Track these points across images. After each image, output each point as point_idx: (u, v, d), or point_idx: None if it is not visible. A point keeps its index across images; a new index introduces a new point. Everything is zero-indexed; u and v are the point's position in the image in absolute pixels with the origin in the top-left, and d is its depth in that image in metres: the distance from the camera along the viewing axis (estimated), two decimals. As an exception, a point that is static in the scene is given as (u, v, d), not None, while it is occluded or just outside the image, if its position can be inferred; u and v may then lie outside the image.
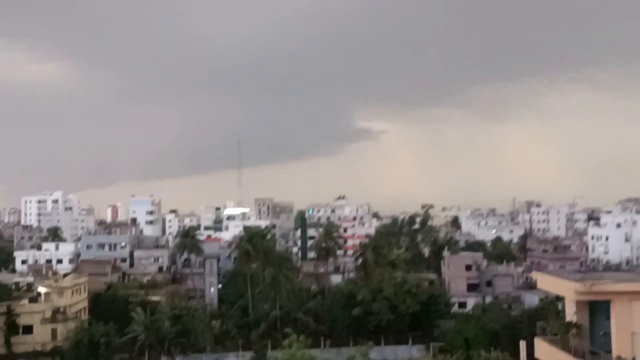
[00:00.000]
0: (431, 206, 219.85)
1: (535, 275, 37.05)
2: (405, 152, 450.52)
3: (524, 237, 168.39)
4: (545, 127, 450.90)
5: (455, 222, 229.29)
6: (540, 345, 32.08)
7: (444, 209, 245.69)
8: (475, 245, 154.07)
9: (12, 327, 79.18)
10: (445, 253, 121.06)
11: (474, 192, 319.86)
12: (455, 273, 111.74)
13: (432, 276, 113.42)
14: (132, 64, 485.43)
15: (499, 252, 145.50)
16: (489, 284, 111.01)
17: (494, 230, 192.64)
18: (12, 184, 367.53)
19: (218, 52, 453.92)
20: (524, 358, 34.60)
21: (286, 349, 45.07)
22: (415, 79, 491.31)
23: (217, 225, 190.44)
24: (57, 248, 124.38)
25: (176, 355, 76.86)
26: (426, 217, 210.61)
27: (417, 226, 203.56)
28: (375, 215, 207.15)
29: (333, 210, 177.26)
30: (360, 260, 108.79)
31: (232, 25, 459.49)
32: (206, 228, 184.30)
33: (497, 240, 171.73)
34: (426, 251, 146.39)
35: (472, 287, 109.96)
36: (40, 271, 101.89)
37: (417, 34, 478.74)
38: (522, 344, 36.27)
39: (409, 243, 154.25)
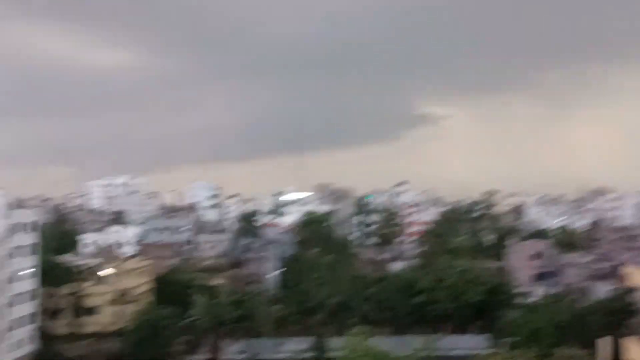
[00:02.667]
0: (494, 192, 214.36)
1: (629, 270, 34.21)
2: (468, 138, 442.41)
3: (592, 225, 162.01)
4: (614, 111, 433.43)
5: (519, 209, 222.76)
6: (632, 346, 29.20)
7: (507, 196, 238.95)
8: (540, 233, 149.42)
9: (79, 309, 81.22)
10: (510, 241, 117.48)
11: (539, 179, 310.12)
12: (520, 262, 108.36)
13: (496, 265, 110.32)
14: (196, 48, 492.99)
15: (566, 240, 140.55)
16: (556, 273, 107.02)
17: (560, 218, 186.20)
18: (81, 169, 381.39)
19: (280, 37, 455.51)
20: (607, 357, 32.15)
21: (349, 337, 43.87)
22: (478, 62, 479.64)
23: (277, 210, 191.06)
24: (121, 231, 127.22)
25: (237, 339, 77.16)
26: (489, 204, 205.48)
27: (479, 213, 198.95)
28: (437, 202, 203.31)
29: (393, 197, 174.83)
30: (421, 248, 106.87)
31: (296, 9, 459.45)
32: (266, 213, 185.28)
33: (564, 228, 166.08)
34: (489, 239, 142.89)
35: (537, 277, 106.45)
36: (106, 254, 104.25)
37: (480, 16, 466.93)
38: (602, 342, 33.82)
39: (471, 230, 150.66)
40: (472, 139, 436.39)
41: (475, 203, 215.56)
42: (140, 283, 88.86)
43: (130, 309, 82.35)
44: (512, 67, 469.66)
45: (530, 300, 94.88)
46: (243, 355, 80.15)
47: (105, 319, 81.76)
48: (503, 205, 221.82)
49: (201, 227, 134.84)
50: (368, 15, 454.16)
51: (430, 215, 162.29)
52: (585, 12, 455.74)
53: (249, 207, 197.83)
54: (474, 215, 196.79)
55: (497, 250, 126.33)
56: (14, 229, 74.08)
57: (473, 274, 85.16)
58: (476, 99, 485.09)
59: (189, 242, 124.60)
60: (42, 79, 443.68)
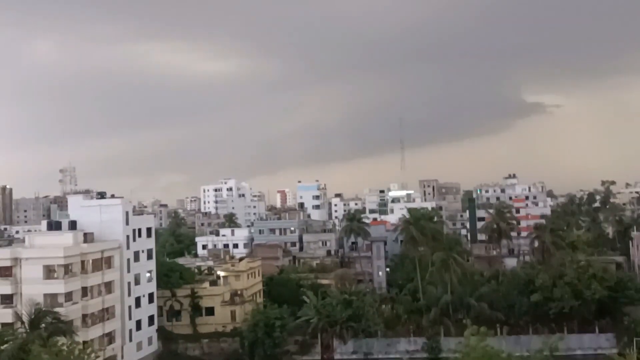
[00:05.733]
0: (613, 182, 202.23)
1: None
2: (581, 126, 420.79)
3: None
4: None
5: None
6: None
7: (627, 185, 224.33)
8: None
9: (196, 309, 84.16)
10: (634, 233, 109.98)
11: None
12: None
13: (619, 259, 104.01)
14: (295, 52, 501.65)
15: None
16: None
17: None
18: (193, 174, 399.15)
19: (381, 32, 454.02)
20: None
21: (465, 339, 42.31)
22: (588, 46, 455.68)
23: (382, 208, 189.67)
24: (232, 233, 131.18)
25: (348, 339, 77.10)
26: (607, 195, 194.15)
27: (597, 204, 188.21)
28: (550, 194, 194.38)
29: (503, 190, 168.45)
30: (536, 243, 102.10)
31: (394, 6, 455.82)
32: (371, 211, 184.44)
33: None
34: (610, 231, 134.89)
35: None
36: (219, 255, 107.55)
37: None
38: None
39: (590, 223, 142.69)
40: (586, 127, 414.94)
41: (593, 194, 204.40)
42: (252, 283, 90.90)
43: (244, 309, 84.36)
44: (623, 49, 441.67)
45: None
46: (355, 355, 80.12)
47: (220, 319, 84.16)
48: (624, 195, 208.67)
49: (308, 227, 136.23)
50: (472, 4, 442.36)
51: (544, 208, 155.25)
52: None
53: (354, 206, 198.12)
54: (592, 206, 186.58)
55: (619, 243, 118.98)
56: (135, 234, 77.97)
57: (594, 269, 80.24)
58: (587, 86, 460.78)
59: (296, 242, 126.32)
60: (153, 92, 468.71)
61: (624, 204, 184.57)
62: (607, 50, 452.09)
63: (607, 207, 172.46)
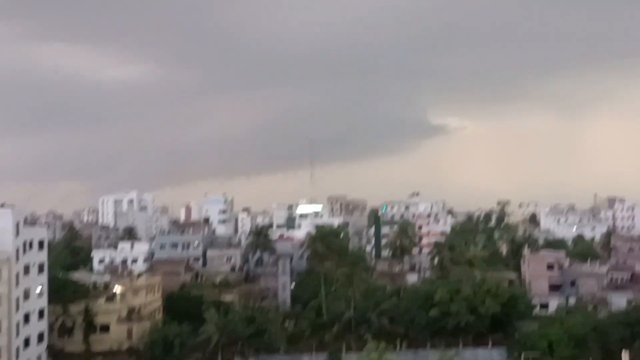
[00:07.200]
0: (507, 202, 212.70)
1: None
2: (481, 148, 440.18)
3: (608, 235, 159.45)
4: (629, 121, 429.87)
5: (533, 219, 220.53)
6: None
7: (520, 205, 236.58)
8: (556, 243, 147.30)
9: (90, 326, 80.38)
10: (525, 251, 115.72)
11: (552, 188, 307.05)
12: (536, 272, 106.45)
13: (512, 275, 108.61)
14: (205, 62, 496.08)
15: (582, 250, 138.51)
16: (572, 284, 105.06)
17: (575, 228, 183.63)
18: (91, 184, 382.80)
19: (290, 49, 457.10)
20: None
21: (364, 353, 42.66)
22: (492, 73, 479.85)
23: (290, 223, 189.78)
24: (132, 247, 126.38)
25: (249, 355, 76.04)
26: (503, 214, 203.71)
27: (493, 223, 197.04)
28: (450, 212, 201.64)
29: (407, 208, 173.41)
30: (436, 259, 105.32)
31: (305, 21, 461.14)
32: (279, 226, 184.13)
33: (579, 238, 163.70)
34: (504, 249, 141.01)
35: (554, 288, 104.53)
36: (117, 270, 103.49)
37: (494, 27, 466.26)
38: (625, 355, 32.53)
39: (486, 241, 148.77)
40: (485, 149, 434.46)
41: (490, 213, 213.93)
42: (151, 300, 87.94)
43: (142, 326, 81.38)
44: (525, 78, 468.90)
45: (547, 311, 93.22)
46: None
47: (116, 336, 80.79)
48: (517, 215, 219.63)
49: (213, 242, 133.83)
50: (381, 25, 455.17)
51: (444, 225, 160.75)
52: (599, 22, 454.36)
53: (261, 221, 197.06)
54: (489, 225, 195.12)
55: (512, 260, 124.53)
56: (26, 246, 73.60)
57: (489, 285, 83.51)
58: (490, 110, 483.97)
59: (200, 257, 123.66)
60: (52, 95, 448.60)
61: (517, 223, 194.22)
62: (507, 77, 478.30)
63: (502, 226, 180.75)
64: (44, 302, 76.45)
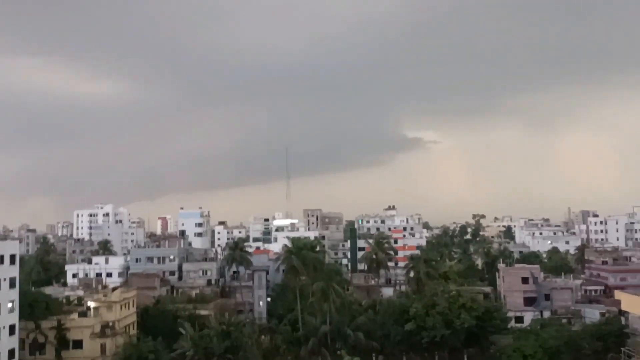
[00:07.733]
0: (482, 216, 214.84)
1: (621, 296, 33.54)
2: (456, 162, 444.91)
3: (581, 248, 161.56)
4: (602, 135, 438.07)
5: (508, 233, 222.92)
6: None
7: (495, 219, 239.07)
8: (530, 257, 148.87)
9: (63, 342, 78.96)
10: (500, 265, 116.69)
11: (526, 202, 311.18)
12: (511, 286, 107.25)
13: (487, 289, 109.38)
14: (181, 77, 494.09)
15: (556, 263, 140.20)
16: (547, 297, 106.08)
17: (549, 241, 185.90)
18: (65, 198, 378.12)
19: (267, 65, 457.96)
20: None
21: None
22: (466, 88, 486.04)
23: (266, 237, 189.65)
24: (106, 261, 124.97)
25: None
26: (478, 228, 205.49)
27: (468, 237, 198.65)
28: (426, 226, 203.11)
29: (383, 221, 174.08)
30: (412, 273, 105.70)
31: (282, 37, 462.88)
32: (255, 240, 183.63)
33: (553, 251, 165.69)
34: (479, 263, 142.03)
35: (529, 301, 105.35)
36: (90, 285, 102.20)
37: (467, 41, 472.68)
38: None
39: (461, 254, 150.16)
40: (460, 163, 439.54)
41: (465, 226, 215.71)
42: (125, 315, 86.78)
43: (115, 342, 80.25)
44: (500, 92, 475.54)
45: (522, 325, 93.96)
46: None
47: (90, 352, 79.44)
48: (492, 229, 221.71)
49: (188, 255, 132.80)
50: (357, 41, 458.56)
51: (420, 239, 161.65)
52: (573, 37, 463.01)
53: (237, 234, 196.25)
54: (464, 238, 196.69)
55: (487, 274, 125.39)
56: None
57: (464, 299, 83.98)
58: (464, 124, 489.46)
59: (175, 271, 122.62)
60: (24, 111, 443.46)
61: (492, 237, 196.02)
62: (481, 91, 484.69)
63: (477, 239, 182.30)
64: (15, 318, 74.94)
